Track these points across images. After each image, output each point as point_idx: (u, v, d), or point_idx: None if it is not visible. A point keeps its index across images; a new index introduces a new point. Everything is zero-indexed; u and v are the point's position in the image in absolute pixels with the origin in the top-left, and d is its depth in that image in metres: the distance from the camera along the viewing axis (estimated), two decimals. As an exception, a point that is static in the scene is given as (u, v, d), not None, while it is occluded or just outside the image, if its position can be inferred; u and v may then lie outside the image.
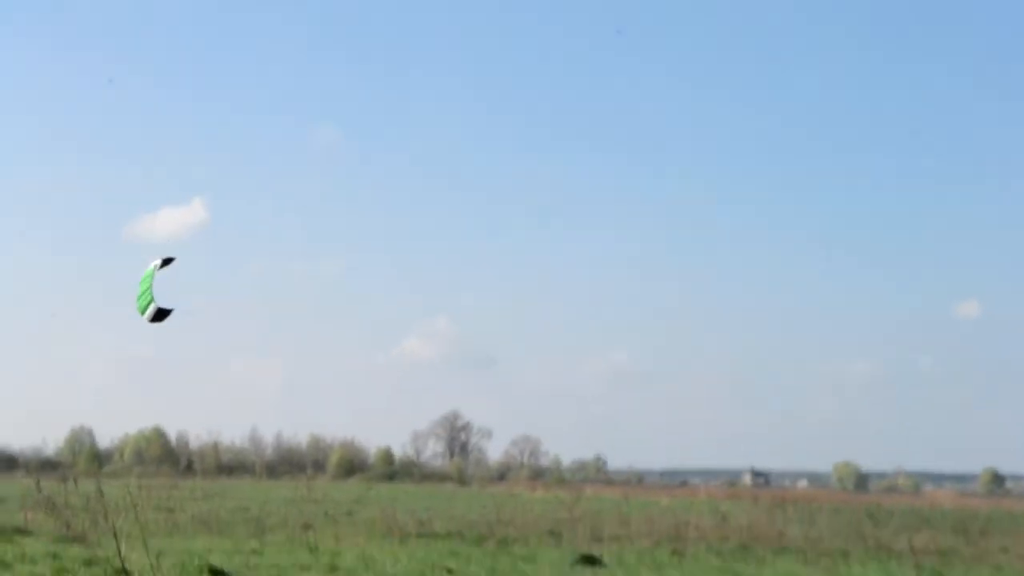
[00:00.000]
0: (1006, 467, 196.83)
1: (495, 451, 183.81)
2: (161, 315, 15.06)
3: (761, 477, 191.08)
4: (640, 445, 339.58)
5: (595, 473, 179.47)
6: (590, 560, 31.02)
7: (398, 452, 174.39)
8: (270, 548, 32.19)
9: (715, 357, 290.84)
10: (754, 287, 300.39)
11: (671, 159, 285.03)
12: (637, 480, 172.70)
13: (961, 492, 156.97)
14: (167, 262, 15.10)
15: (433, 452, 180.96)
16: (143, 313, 15.11)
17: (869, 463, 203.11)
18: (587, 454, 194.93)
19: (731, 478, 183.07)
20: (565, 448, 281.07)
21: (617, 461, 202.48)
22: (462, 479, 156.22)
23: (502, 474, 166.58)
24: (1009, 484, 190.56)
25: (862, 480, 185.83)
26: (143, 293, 15.10)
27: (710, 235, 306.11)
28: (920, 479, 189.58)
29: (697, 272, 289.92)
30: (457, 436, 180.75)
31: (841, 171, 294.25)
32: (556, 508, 66.00)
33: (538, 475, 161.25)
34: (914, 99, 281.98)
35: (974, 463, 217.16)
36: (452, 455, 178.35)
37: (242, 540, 35.27)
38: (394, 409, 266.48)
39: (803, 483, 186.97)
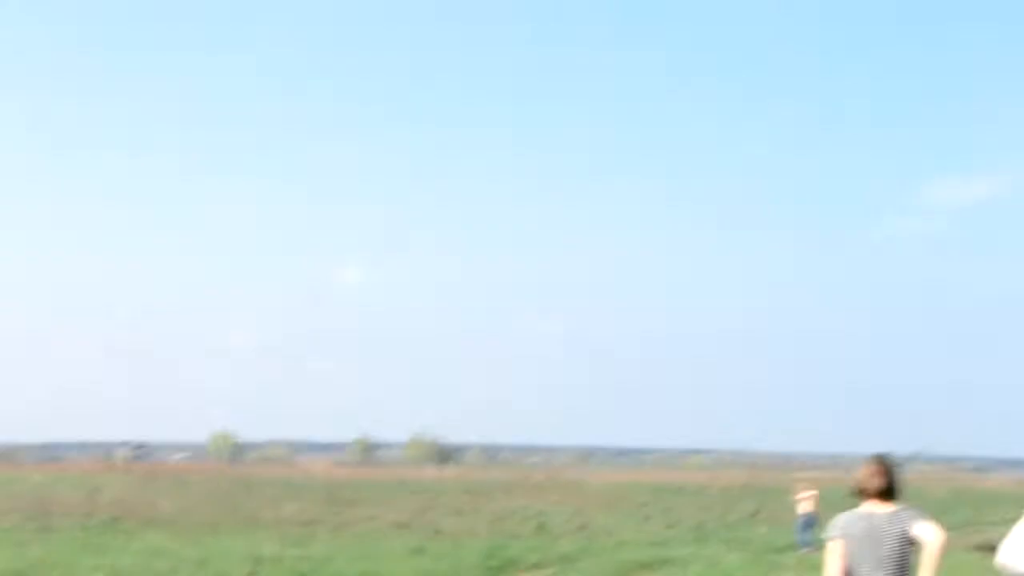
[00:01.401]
0: (377, 435, 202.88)
1: None
2: None
3: (140, 449, 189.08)
4: (15, 418, 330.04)
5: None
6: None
7: None
8: None
9: (93, 322, 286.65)
10: (146, 253, 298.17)
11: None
12: (8, 456, 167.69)
13: (334, 461, 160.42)
14: None
15: None
16: None
17: (247, 433, 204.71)
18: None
19: (108, 451, 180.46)
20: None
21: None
22: None
23: None
24: (380, 452, 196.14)
25: (239, 450, 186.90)
26: None
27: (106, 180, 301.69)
28: (295, 448, 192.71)
29: (82, 236, 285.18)
30: None
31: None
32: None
33: None
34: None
35: (348, 431, 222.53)
36: None
37: None
38: None
39: (180, 455, 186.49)
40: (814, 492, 36.11)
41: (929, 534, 8.78)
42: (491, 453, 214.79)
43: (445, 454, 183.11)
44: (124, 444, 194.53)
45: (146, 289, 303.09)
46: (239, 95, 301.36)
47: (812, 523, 33.81)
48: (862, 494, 9.05)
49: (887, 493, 9.04)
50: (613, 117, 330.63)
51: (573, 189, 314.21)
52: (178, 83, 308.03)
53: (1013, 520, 42.96)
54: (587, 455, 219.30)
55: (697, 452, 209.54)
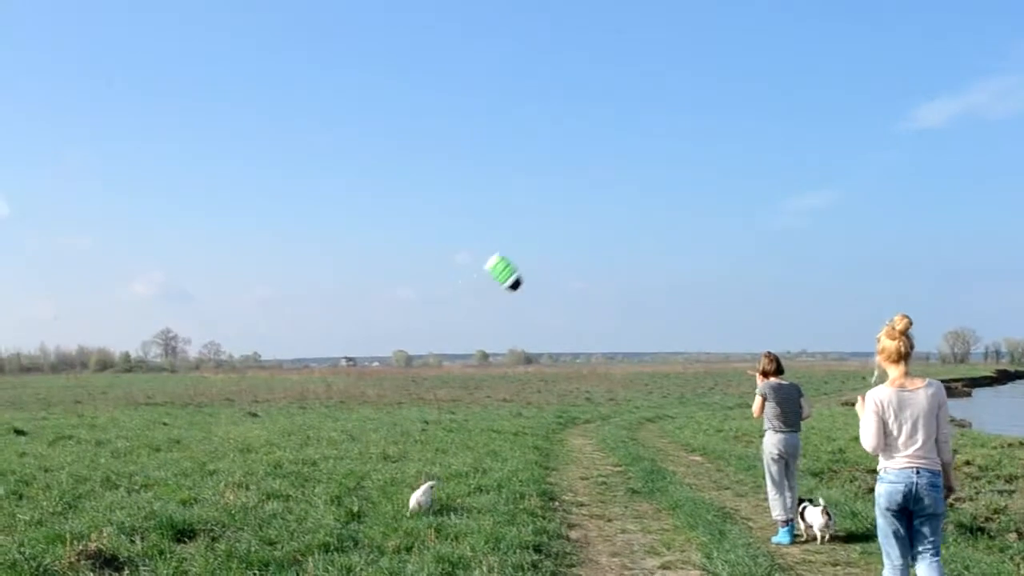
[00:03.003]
0: (489, 348, 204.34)
1: (192, 351, 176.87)
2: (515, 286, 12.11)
3: (351, 361, 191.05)
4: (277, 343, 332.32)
5: (253, 362, 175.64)
6: (252, 414, 30.50)
7: (133, 354, 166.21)
8: (53, 415, 30.20)
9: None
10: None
11: None
12: (276, 367, 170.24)
13: (464, 364, 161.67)
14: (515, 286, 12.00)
15: (155, 353, 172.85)
16: (503, 280, 11.91)
17: (414, 349, 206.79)
18: (248, 350, 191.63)
19: (335, 362, 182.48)
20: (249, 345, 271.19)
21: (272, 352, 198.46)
22: (173, 369, 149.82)
23: (197, 365, 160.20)
24: (491, 359, 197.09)
25: (409, 360, 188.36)
26: (505, 267, 11.79)
27: None
28: (442, 358, 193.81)
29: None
30: (169, 342, 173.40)
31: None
32: (230, 384, 64.40)
33: (219, 365, 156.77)
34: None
35: (470, 347, 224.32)
36: (166, 354, 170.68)
37: (35, 412, 32.98)
38: (129, 324, 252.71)
39: (376, 364, 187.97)
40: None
41: (806, 404, 10.01)
42: (555, 357, 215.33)
43: (529, 359, 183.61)
44: (342, 358, 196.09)
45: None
46: None
47: None
48: (765, 374, 10.08)
49: (779, 371, 10.08)
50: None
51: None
52: None
53: (861, 388, 42.14)
54: (611, 357, 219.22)
55: (675, 354, 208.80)
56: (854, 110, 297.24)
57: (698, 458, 17.36)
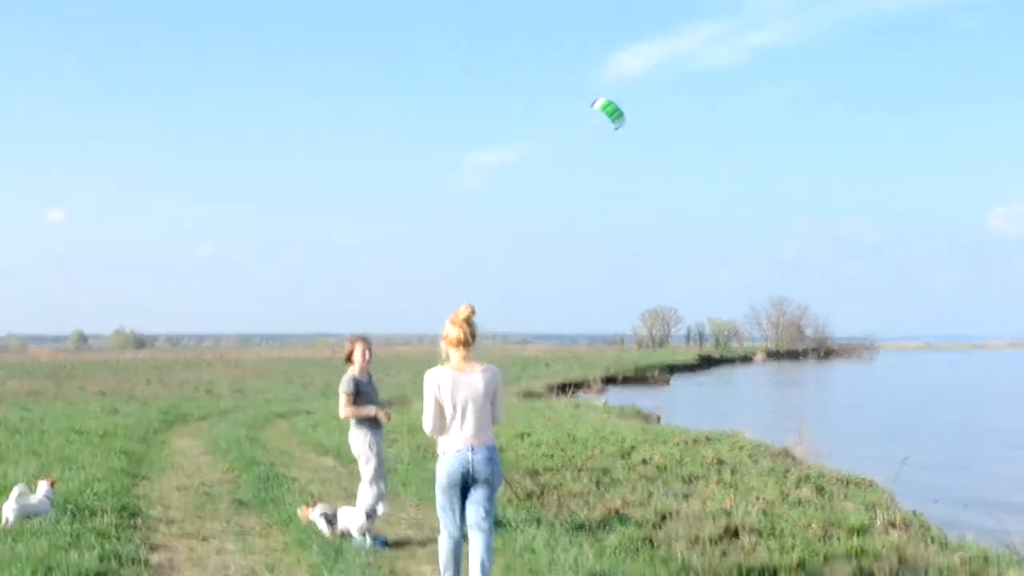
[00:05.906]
0: (89, 329, 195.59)
1: None
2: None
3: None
4: None
5: None
6: None
7: None
8: None
9: None
10: None
11: None
12: None
13: (56, 348, 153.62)
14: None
15: None
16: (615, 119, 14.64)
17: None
18: None
19: None
20: None
21: None
22: None
23: None
24: (92, 342, 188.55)
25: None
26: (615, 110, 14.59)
27: None
28: (25, 340, 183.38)
29: None
30: None
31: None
32: None
33: None
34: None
35: (66, 326, 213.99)
36: None
37: None
38: None
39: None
40: None
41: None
42: (175, 340, 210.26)
43: (141, 342, 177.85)
44: None
45: None
46: None
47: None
48: (349, 359, 11.19)
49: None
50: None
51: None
52: None
53: (542, 376, 43.98)
54: (246, 340, 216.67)
55: (325, 335, 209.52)
56: (546, 58, 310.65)
57: (330, 461, 17.40)
